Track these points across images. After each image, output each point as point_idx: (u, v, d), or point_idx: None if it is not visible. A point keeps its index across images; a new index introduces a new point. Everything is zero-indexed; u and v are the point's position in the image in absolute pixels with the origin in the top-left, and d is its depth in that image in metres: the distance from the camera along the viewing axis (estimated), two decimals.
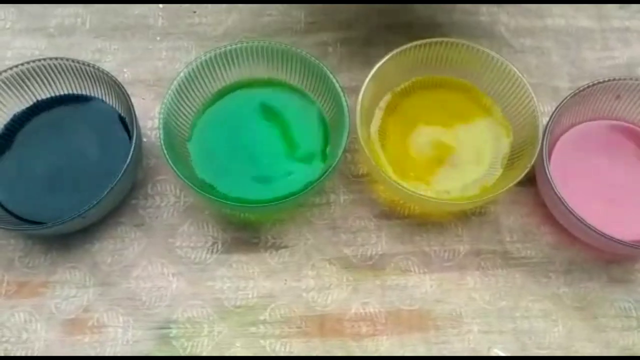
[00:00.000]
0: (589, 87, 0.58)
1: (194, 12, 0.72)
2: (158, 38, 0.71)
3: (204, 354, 0.57)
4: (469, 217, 0.62)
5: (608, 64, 0.70)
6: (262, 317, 0.59)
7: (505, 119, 0.64)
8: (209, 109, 0.64)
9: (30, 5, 0.72)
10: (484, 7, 0.73)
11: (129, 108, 0.57)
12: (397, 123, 0.62)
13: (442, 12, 0.72)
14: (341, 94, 0.58)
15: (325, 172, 0.56)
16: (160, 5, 0.73)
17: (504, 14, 0.73)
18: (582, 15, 0.73)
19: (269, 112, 0.63)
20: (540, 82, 0.69)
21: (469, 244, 0.62)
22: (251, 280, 0.60)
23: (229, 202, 0.57)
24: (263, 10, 0.73)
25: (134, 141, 0.56)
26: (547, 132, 0.57)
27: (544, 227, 0.61)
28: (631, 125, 0.64)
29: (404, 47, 0.61)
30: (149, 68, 0.69)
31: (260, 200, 0.57)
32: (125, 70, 0.69)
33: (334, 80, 0.59)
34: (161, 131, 0.57)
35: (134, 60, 0.70)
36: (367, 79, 0.59)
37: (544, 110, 0.66)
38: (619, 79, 0.60)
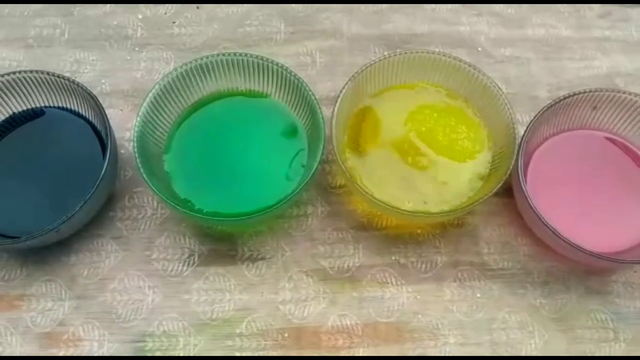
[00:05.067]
0: (565, 98, 0.58)
1: (174, 22, 0.72)
2: (137, 49, 0.71)
3: None
4: (447, 228, 0.62)
5: (587, 74, 0.70)
6: (238, 330, 0.59)
7: (485, 129, 0.63)
8: (186, 121, 0.64)
9: (10, 15, 0.72)
10: (464, 17, 0.73)
11: (104, 121, 0.57)
12: (375, 133, 0.61)
13: (422, 21, 0.72)
14: (316, 105, 0.58)
15: (300, 184, 0.55)
16: (140, 16, 0.71)
17: (484, 24, 0.74)
18: (563, 25, 0.73)
19: (247, 124, 0.63)
20: (520, 92, 0.69)
21: (447, 256, 0.62)
22: (228, 293, 0.60)
23: (202, 216, 0.57)
24: (243, 20, 0.73)
25: (107, 156, 0.56)
26: (522, 143, 0.57)
27: (521, 239, 0.61)
28: (608, 136, 0.64)
29: (382, 57, 0.61)
30: (128, 79, 0.69)
31: (236, 213, 0.57)
32: (103, 81, 0.69)
33: (309, 92, 0.59)
34: (135, 144, 0.56)
35: (113, 71, 0.70)
36: (344, 90, 0.59)
37: (524, 120, 0.66)
38: (596, 90, 0.60)
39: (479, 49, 0.70)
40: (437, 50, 0.63)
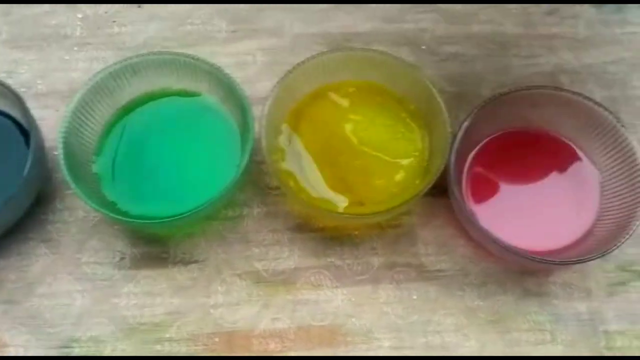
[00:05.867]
0: (502, 95, 0.57)
1: (114, 21, 0.71)
2: (75, 48, 0.70)
3: None
4: (384, 229, 0.61)
5: (532, 72, 0.69)
6: (167, 335, 0.58)
7: (422, 128, 0.62)
8: (117, 121, 0.63)
9: None
10: (409, 15, 0.72)
11: (29, 120, 0.56)
12: (311, 133, 0.60)
13: (365, 20, 0.70)
14: (247, 105, 0.57)
15: (229, 185, 0.55)
16: (80, 15, 0.70)
17: (430, 21, 0.72)
18: (510, 22, 0.72)
19: (179, 125, 0.62)
20: (463, 91, 0.68)
21: (384, 257, 0.60)
22: (158, 297, 0.59)
23: (127, 219, 0.56)
24: (185, 19, 0.72)
25: (30, 155, 0.55)
26: (455, 142, 0.56)
27: (459, 239, 0.60)
28: (547, 134, 0.63)
29: (315, 55, 0.61)
30: (65, 79, 0.68)
31: (164, 215, 0.55)
32: (39, 81, 0.68)
33: (240, 91, 0.58)
34: (61, 146, 0.56)
35: (50, 71, 0.69)
36: (275, 89, 0.58)
37: None
38: (534, 88, 0.60)
39: (423, 47, 0.69)
40: (374, 48, 0.61)
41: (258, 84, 0.65)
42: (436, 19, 0.72)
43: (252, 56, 0.71)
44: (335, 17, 0.72)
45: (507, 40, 0.71)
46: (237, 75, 0.64)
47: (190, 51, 0.64)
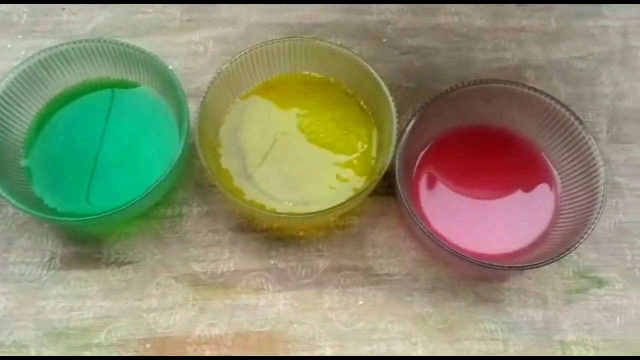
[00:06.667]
0: (453, 90, 0.53)
1: (63, 9, 0.68)
2: (20, 36, 0.67)
3: None
4: (332, 230, 0.57)
5: (497, 66, 0.65)
6: (96, 340, 0.55)
7: (371, 125, 0.60)
8: (49, 113, 0.60)
9: None
10: (373, 6, 0.68)
11: None
12: (256, 128, 0.57)
13: (326, 10, 0.67)
14: (183, 96, 0.54)
15: (158, 182, 0.52)
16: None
17: (394, 13, 0.69)
18: (479, 14, 0.68)
19: (117, 117, 0.59)
20: (421, 86, 0.65)
21: (330, 259, 0.57)
22: (88, 300, 0.55)
23: (48, 216, 0.54)
24: (138, 7, 0.69)
25: None
26: (402, 139, 0.53)
27: (409, 241, 0.57)
28: (504, 132, 0.59)
29: (257, 45, 0.58)
30: (4, 69, 0.63)
31: (93, 212, 0.53)
32: None
33: (177, 82, 0.55)
34: None
35: None
36: (213, 80, 0.55)
37: None
38: (489, 82, 0.56)
39: (384, 39, 0.64)
40: (326, 40, 0.58)
41: (207, 76, 0.61)
42: (401, 9, 0.69)
43: (204, 46, 0.67)
44: (294, 7, 0.69)
45: (474, 33, 0.68)
46: (187, 66, 0.63)
47: (141, 40, 0.61)
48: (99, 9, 0.69)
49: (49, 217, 0.53)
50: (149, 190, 0.51)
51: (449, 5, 0.69)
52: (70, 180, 0.57)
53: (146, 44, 0.60)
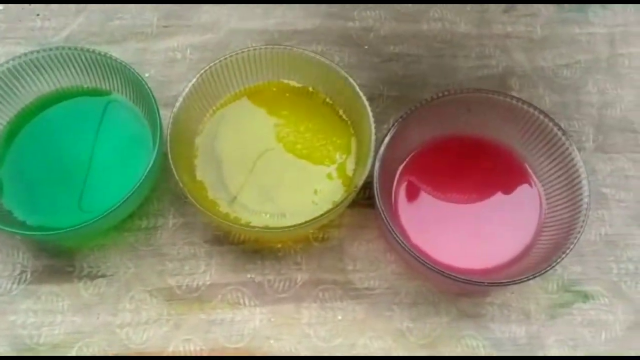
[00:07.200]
0: (434, 100, 0.51)
1: (37, 15, 0.66)
2: None
3: None
4: (310, 243, 0.56)
5: (481, 74, 0.64)
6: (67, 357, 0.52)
7: (350, 136, 0.58)
8: (21, 122, 0.59)
9: None
10: (355, 12, 0.67)
11: None
12: (232, 138, 0.55)
13: (307, 17, 0.65)
14: (155, 105, 0.53)
15: (129, 193, 0.50)
16: (0, 7, 0.64)
17: (376, 20, 0.68)
18: (463, 20, 0.66)
19: (90, 126, 0.58)
20: (403, 95, 0.63)
21: (308, 273, 0.56)
22: (59, 315, 0.54)
23: (14, 230, 0.52)
24: (114, 13, 0.67)
25: None
26: (381, 149, 0.51)
27: (390, 255, 0.55)
28: (486, 142, 0.58)
29: (233, 53, 0.56)
30: None
31: (66, 225, 0.51)
32: None
33: (148, 90, 0.54)
34: None
35: None
36: (188, 88, 0.54)
37: None
38: (468, 91, 0.55)
39: (366, 46, 0.63)
40: (302, 48, 0.58)
41: (184, 84, 0.58)
42: (384, 16, 0.68)
43: (182, 53, 0.66)
44: (275, 13, 0.68)
45: (458, 39, 0.66)
46: (164, 74, 0.62)
47: (117, 47, 0.61)
48: (74, 15, 0.68)
49: (18, 231, 0.51)
50: (120, 202, 0.49)
51: (432, 12, 0.67)
52: (41, 191, 0.55)
53: (123, 50, 0.60)
